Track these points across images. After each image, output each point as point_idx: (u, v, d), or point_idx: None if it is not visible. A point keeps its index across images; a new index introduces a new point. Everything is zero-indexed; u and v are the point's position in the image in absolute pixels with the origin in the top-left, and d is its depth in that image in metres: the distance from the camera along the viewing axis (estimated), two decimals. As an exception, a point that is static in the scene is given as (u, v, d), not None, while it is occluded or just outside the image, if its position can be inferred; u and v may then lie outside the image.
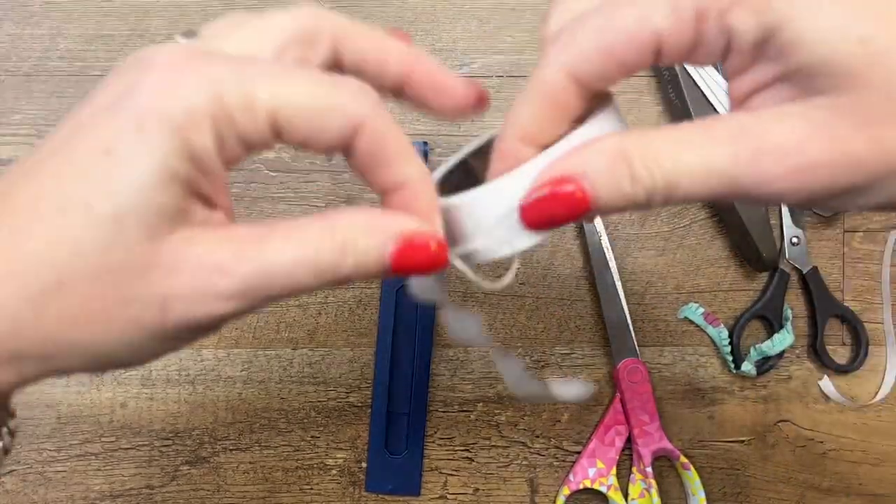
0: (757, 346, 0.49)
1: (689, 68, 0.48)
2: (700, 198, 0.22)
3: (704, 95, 0.48)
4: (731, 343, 0.49)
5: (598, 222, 0.49)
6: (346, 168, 0.50)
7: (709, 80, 0.48)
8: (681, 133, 0.22)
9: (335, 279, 0.22)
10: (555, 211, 0.23)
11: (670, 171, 0.22)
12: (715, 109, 0.48)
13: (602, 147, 0.22)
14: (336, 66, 0.25)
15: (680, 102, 0.49)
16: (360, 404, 0.49)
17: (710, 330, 0.50)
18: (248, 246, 0.21)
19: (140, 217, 0.20)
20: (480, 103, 0.27)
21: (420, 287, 0.27)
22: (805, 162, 0.21)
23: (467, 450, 0.50)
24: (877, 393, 0.50)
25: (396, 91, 0.26)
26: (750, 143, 0.21)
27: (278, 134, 0.22)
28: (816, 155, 0.21)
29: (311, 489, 0.49)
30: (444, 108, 0.26)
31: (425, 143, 0.49)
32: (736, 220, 0.49)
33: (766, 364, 0.49)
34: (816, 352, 0.50)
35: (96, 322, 0.21)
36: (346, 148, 0.23)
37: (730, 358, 0.49)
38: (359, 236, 0.22)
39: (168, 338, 0.22)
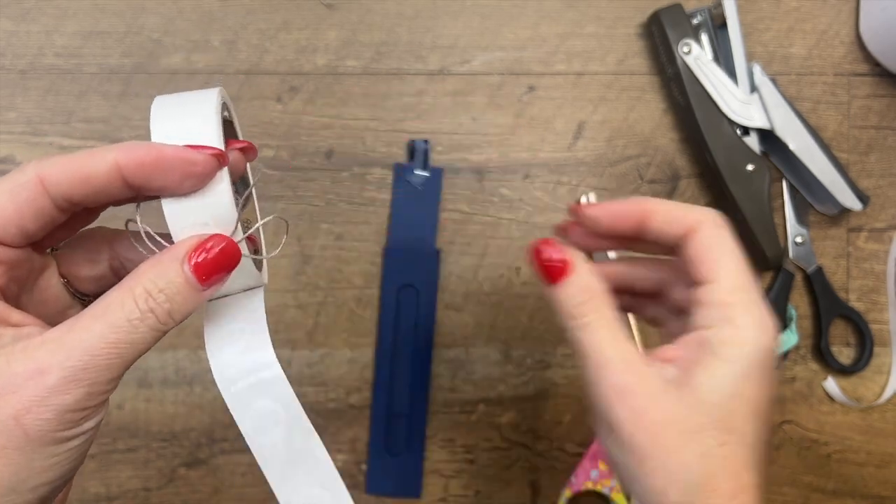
0: None
1: (693, 67, 0.48)
2: None
3: (708, 93, 0.48)
4: None
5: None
6: (346, 167, 0.49)
7: (713, 79, 0.48)
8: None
9: (160, 324, 0.24)
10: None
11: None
12: (718, 107, 0.48)
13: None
14: None
15: (683, 100, 0.48)
16: (360, 405, 0.49)
17: None
18: (58, 339, 0.23)
19: None
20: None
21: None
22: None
23: (468, 452, 0.49)
24: (882, 393, 0.50)
25: None
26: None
27: None
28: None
29: (311, 491, 0.49)
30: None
31: (426, 142, 0.49)
32: (739, 218, 0.48)
33: None
34: (821, 352, 0.49)
35: None
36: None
37: None
38: (157, 277, 0.24)
39: (46, 447, 0.23)
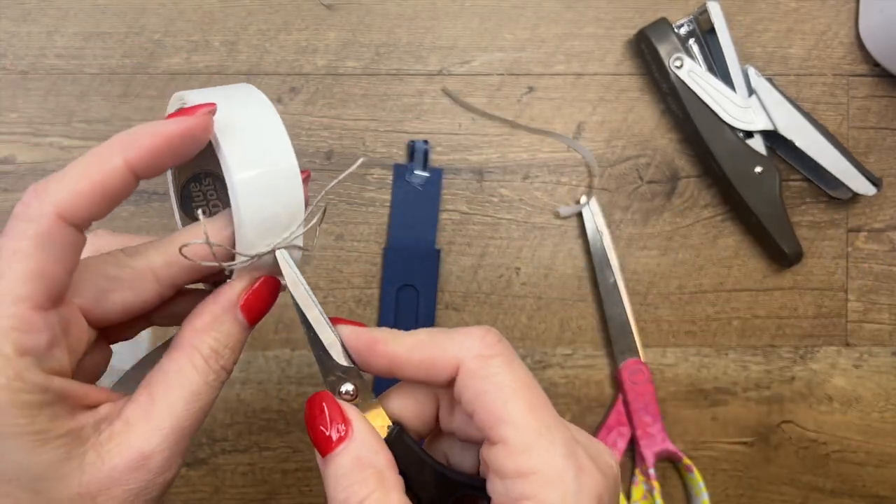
0: None
1: (687, 80, 0.47)
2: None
3: (706, 104, 0.47)
4: None
5: (600, 220, 0.49)
6: (346, 167, 0.49)
7: (709, 89, 0.47)
8: None
9: (227, 375, 0.26)
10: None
11: None
12: (717, 116, 0.48)
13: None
14: None
15: (682, 113, 0.48)
16: (359, 405, 0.49)
17: None
18: (144, 418, 0.24)
19: (47, 481, 0.22)
20: None
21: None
22: None
23: (468, 451, 0.49)
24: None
25: None
26: None
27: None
28: None
29: (311, 491, 0.49)
30: None
31: (426, 142, 0.49)
32: (754, 221, 0.48)
33: None
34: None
35: None
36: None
37: None
38: (219, 333, 0.26)
39: None
